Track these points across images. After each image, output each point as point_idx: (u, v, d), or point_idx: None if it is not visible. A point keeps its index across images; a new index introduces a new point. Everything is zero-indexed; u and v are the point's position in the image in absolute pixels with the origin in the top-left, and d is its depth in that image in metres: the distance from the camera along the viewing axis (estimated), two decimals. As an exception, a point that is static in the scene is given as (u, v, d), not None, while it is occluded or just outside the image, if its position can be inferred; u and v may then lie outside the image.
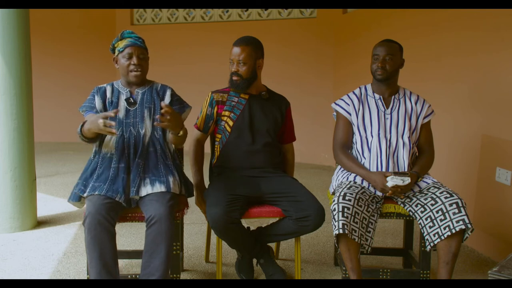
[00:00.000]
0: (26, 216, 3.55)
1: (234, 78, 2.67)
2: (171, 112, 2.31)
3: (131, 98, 2.56)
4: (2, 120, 3.40)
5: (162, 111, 2.30)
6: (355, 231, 2.32)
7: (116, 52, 2.55)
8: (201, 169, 2.80)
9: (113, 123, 2.24)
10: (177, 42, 6.98)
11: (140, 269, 2.92)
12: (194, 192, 2.70)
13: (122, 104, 2.55)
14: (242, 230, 2.52)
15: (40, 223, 3.71)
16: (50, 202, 4.29)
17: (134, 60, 2.49)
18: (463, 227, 2.30)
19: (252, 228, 2.80)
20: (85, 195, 2.36)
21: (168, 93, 2.62)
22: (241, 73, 2.65)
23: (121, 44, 2.51)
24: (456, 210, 2.34)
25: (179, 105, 2.63)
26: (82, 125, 2.41)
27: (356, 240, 2.32)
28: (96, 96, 2.55)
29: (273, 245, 3.05)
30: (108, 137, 2.50)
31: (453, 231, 2.31)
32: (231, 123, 2.71)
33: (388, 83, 2.66)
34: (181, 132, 2.45)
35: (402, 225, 2.99)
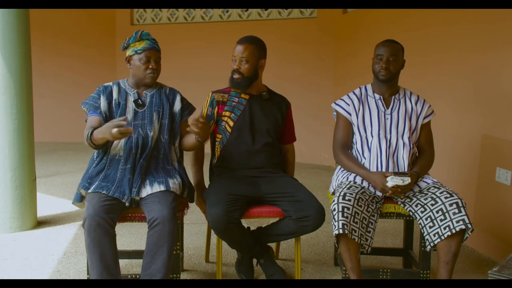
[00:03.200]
0: (26, 216, 3.55)
1: (235, 76, 2.66)
2: (204, 121, 2.36)
3: (139, 100, 2.55)
4: (2, 120, 3.40)
5: (200, 119, 2.34)
6: (355, 231, 2.32)
7: (131, 52, 2.52)
8: (201, 168, 2.80)
9: (124, 123, 2.25)
10: (177, 42, 6.98)
11: (140, 269, 2.94)
12: (195, 193, 2.70)
13: (131, 105, 2.54)
14: (242, 230, 2.52)
15: (40, 223, 3.71)
16: (50, 202, 4.29)
17: (152, 64, 2.51)
18: (463, 227, 2.30)
19: (252, 228, 2.80)
20: (89, 191, 2.35)
21: (178, 98, 2.63)
22: (243, 71, 2.64)
23: (139, 46, 2.50)
24: (456, 210, 2.34)
25: (189, 109, 2.67)
26: (91, 133, 2.40)
27: (356, 240, 2.32)
28: (101, 96, 2.53)
29: (273, 245, 3.05)
30: (116, 141, 2.49)
31: (453, 231, 2.31)
32: (231, 123, 2.71)
33: (389, 84, 2.66)
34: (207, 141, 2.53)
35: (402, 225, 2.99)
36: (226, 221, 2.37)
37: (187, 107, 2.66)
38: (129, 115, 2.52)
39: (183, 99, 2.66)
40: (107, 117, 2.51)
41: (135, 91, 2.58)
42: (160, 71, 2.58)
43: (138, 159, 2.47)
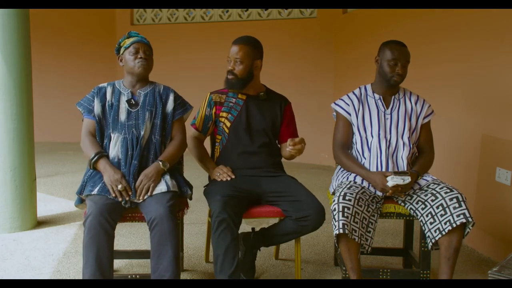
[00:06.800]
0: (26, 216, 3.54)
1: (229, 77, 2.66)
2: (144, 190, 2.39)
3: (132, 100, 2.55)
4: (2, 120, 3.40)
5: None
6: (355, 231, 2.32)
7: (122, 50, 2.56)
8: (209, 159, 2.76)
9: (128, 192, 2.35)
10: (177, 42, 6.98)
11: (140, 269, 2.94)
12: (211, 171, 2.68)
13: (123, 106, 2.54)
14: (232, 232, 2.40)
15: (40, 223, 3.71)
16: (50, 202, 4.29)
17: (141, 53, 2.52)
18: (464, 220, 2.30)
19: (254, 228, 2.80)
20: (93, 192, 2.33)
21: (171, 97, 2.61)
22: (236, 72, 2.63)
23: (128, 42, 2.55)
24: (457, 205, 2.34)
25: (182, 108, 2.64)
26: (97, 158, 2.42)
27: (356, 240, 2.32)
28: (95, 98, 2.54)
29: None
30: (113, 142, 2.48)
31: (454, 225, 2.31)
32: (228, 124, 2.71)
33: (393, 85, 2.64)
34: (164, 167, 2.47)
35: (402, 225, 2.99)
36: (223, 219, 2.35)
37: (181, 107, 2.63)
38: (123, 115, 2.51)
39: (176, 98, 2.63)
40: (101, 119, 2.52)
41: (128, 90, 2.58)
42: (152, 65, 2.59)
43: (134, 159, 2.46)
